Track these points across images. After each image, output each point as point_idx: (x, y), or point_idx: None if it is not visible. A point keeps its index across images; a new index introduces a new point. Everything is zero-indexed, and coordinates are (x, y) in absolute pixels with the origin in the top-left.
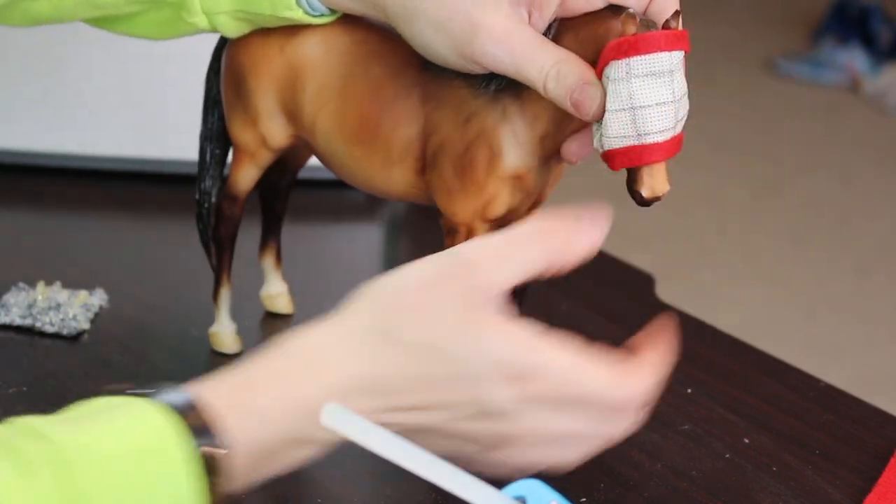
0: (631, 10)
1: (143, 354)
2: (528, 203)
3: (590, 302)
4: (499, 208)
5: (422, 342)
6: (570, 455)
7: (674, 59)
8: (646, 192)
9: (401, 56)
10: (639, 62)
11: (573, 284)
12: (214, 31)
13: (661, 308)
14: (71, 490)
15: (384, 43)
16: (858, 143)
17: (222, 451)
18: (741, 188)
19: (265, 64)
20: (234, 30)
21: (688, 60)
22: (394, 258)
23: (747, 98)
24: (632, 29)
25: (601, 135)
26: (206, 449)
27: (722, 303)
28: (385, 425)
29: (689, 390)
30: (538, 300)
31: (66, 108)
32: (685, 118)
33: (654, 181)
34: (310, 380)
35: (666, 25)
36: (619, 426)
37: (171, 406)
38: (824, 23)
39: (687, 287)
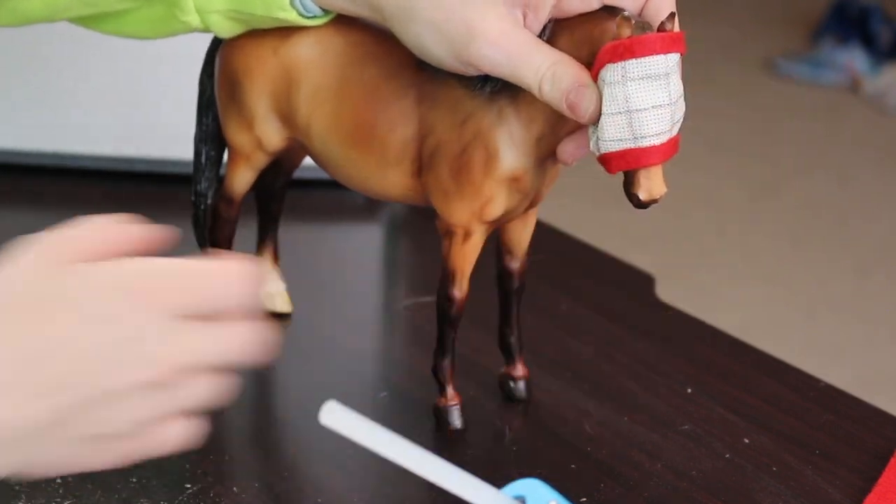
0: (626, 13)
1: None
2: (524, 204)
3: (590, 302)
4: (496, 210)
5: (26, 303)
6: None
7: (669, 62)
8: (643, 195)
9: (396, 57)
10: (634, 65)
11: (573, 284)
12: (207, 30)
13: (661, 308)
14: None
15: (379, 44)
16: (858, 143)
17: None
18: (741, 188)
19: (259, 66)
20: (226, 30)
21: (687, 61)
22: (393, 258)
23: (747, 98)
24: (627, 31)
25: (597, 138)
26: None
27: (722, 303)
28: (37, 427)
29: (689, 390)
30: (538, 300)
31: (65, 108)
32: (682, 120)
33: (651, 183)
34: None
35: (661, 27)
36: (241, 329)
37: None
38: (824, 23)
39: (687, 287)
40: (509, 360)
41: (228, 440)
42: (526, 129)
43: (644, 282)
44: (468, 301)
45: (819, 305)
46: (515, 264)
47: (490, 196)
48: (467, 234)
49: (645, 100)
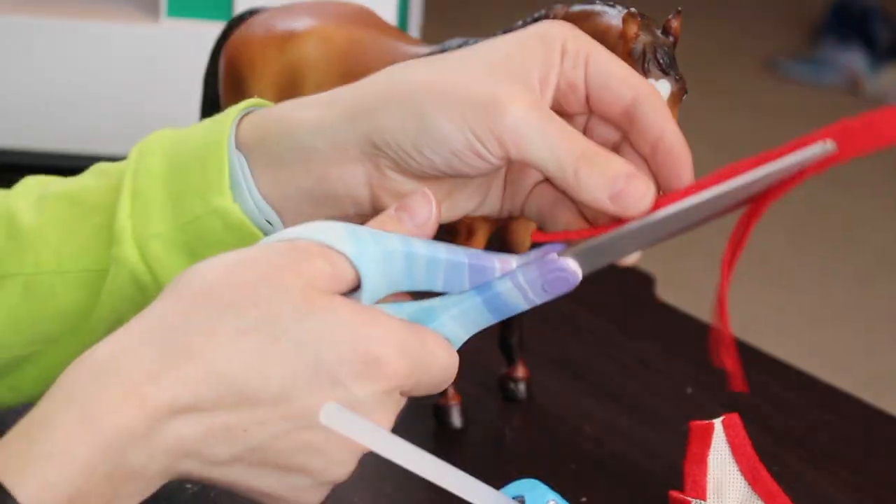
0: (632, 9)
1: None
2: None
3: (590, 302)
4: None
5: (257, 331)
6: None
7: None
8: None
9: (400, 56)
10: None
11: None
12: (146, 275)
13: (661, 308)
14: None
15: (384, 43)
16: None
17: None
18: None
19: (264, 62)
20: (166, 266)
21: (687, 61)
22: None
23: (747, 98)
24: (633, 28)
25: None
26: None
27: None
28: (215, 461)
29: (689, 390)
30: None
31: (66, 108)
32: None
33: None
34: (106, 405)
35: (666, 24)
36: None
37: None
38: (824, 23)
39: (687, 287)
40: (510, 361)
41: None
42: None
43: (644, 282)
44: None
45: (820, 308)
46: None
47: None
48: (470, 232)
49: None
